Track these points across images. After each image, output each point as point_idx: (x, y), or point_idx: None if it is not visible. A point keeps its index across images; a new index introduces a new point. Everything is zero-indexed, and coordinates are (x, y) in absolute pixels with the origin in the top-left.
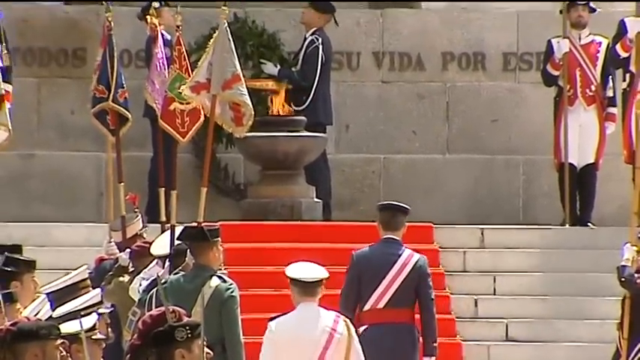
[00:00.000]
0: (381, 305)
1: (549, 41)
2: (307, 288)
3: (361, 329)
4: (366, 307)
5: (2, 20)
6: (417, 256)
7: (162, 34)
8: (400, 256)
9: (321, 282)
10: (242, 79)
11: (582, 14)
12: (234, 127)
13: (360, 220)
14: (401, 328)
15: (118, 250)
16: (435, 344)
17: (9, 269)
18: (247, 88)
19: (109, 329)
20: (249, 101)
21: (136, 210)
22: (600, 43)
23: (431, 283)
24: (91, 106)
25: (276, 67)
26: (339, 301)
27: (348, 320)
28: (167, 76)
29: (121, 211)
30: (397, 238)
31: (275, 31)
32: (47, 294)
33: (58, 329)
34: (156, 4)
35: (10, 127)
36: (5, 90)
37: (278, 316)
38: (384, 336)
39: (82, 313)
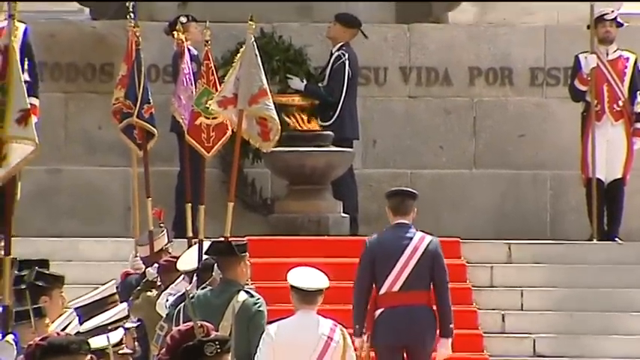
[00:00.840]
0: (396, 288)
1: (577, 57)
2: (307, 296)
3: (378, 312)
4: (382, 291)
5: (28, 36)
6: (428, 237)
7: (189, 49)
8: (412, 239)
9: (321, 291)
10: (269, 93)
11: (610, 30)
12: (261, 141)
13: None
14: (417, 309)
15: (143, 265)
16: (451, 326)
17: (39, 284)
18: (274, 103)
19: (136, 343)
20: (275, 116)
21: (162, 225)
22: (628, 58)
23: (445, 265)
24: (119, 121)
25: (302, 82)
26: (353, 287)
27: (344, 329)
28: (194, 91)
29: (149, 226)
30: (408, 222)
31: (302, 46)
32: (75, 308)
33: (88, 344)
34: (183, 19)
35: (37, 142)
36: (31, 104)
37: (276, 320)
38: (401, 317)
39: (109, 327)
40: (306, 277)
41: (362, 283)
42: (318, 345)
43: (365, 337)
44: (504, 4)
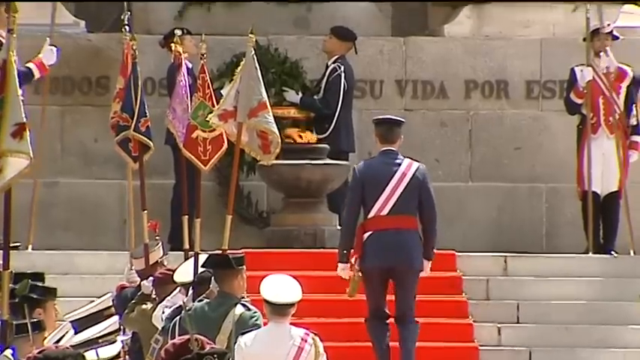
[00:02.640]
0: (384, 212)
1: (572, 69)
2: (279, 309)
3: (366, 235)
4: (371, 215)
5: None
6: (416, 164)
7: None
8: (400, 165)
9: (293, 304)
10: (268, 107)
11: (606, 43)
12: (262, 154)
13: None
14: (405, 232)
15: (138, 278)
16: (433, 249)
17: (33, 297)
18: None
19: (127, 357)
20: (275, 129)
21: (157, 237)
22: (624, 71)
23: (432, 190)
24: (115, 133)
25: (298, 94)
26: (342, 212)
27: (316, 337)
28: (189, 105)
29: (144, 239)
30: (395, 149)
31: (298, 59)
32: (72, 322)
33: (84, 358)
34: (178, 32)
35: (32, 155)
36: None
37: (249, 331)
38: (389, 239)
39: (100, 341)
40: (279, 289)
41: (351, 208)
42: (289, 354)
43: (353, 260)
44: (500, 16)
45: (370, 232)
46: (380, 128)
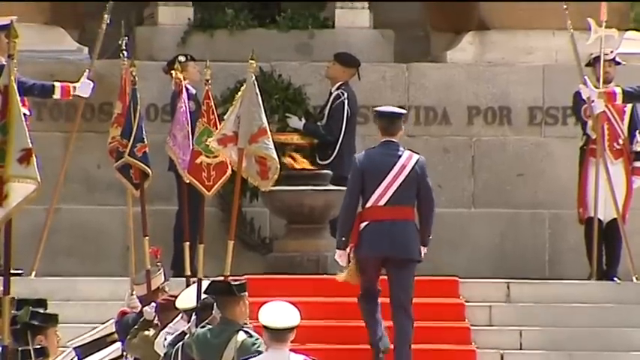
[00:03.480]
0: (382, 203)
1: (577, 91)
2: (278, 335)
3: (362, 225)
4: (368, 205)
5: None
6: (416, 156)
7: (187, 88)
8: (400, 156)
9: (292, 329)
10: (268, 132)
11: (608, 70)
12: (260, 180)
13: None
14: (401, 223)
15: (139, 304)
16: (429, 237)
17: (34, 323)
18: (273, 142)
19: None
20: (275, 155)
21: (158, 263)
22: None
23: (430, 183)
24: (115, 159)
25: (301, 121)
26: (342, 200)
27: None
28: (190, 131)
29: (146, 265)
30: (396, 141)
31: (301, 85)
32: (75, 348)
33: None
34: (181, 59)
35: (39, 180)
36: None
37: (250, 358)
38: (386, 230)
39: None
40: (277, 314)
41: (351, 197)
42: None
43: (348, 250)
44: (502, 43)
45: (367, 222)
46: (382, 121)
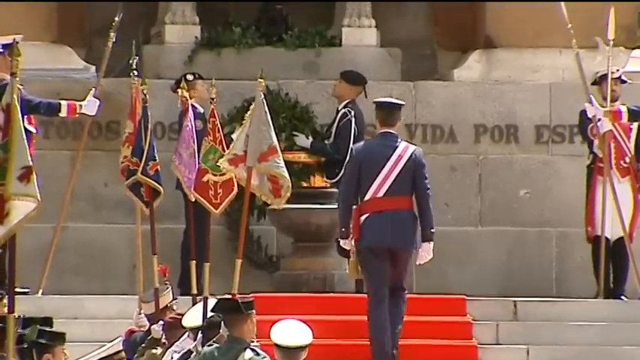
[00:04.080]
0: (380, 194)
1: (582, 110)
2: (290, 353)
3: (363, 217)
4: (367, 197)
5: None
6: (412, 147)
7: (195, 107)
8: (397, 147)
9: (304, 347)
10: (279, 151)
11: (615, 88)
12: (273, 198)
13: None
14: (401, 213)
15: (147, 322)
16: (432, 230)
17: (42, 342)
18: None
19: None
20: (285, 173)
21: (166, 282)
22: None
23: (426, 174)
24: (126, 178)
25: (308, 139)
26: (339, 193)
27: None
28: (196, 149)
29: (154, 283)
30: (394, 132)
31: (308, 104)
32: None
33: None
34: (189, 77)
35: (39, 198)
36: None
37: None
38: (386, 221)
39: None
40: (289, 333)
41: (348, 188)
42: None
43: (350, 240)
44: (509, 61)
45: (367, 214)
46: (380, 112)
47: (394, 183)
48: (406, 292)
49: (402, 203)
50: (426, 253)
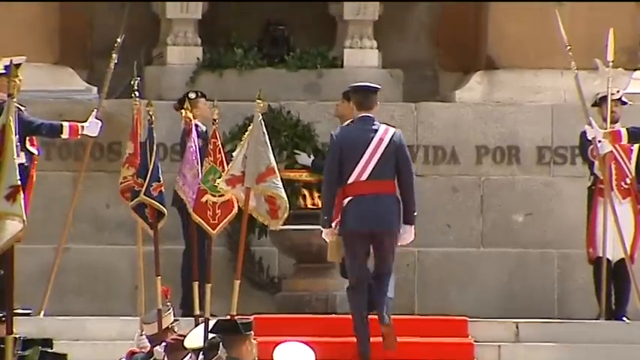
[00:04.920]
0: (363, 178)
1: (582, 132)
2: None
3: (346, 201)
4: (350, 181)
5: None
6: (392, 129)
7: (197, 126)
8: (377, 131)
9: None
10: (276, 172)
11: (615, 109)
12: (270, 219)
13: (394, 314)
14: (384, 197)
15: (149, 343)
16: (414, 213)
17: None
18: (282, 179)
19: None
20: (283, 194)
21: (168, 303)
22: None
23: (408, 155)
24: (129, 199)
25: (309, 157)
26: (323, 179)
27: None
28: (199, 170)
29: (157, 304)
30: (371, 116)
31: (309, 122)
32: None
33: None
34: (192, 95)
35: (25, 219)
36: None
37: None
38: (369, 204)
39: None
40: (292, 355)
41: (331, 175)
42: None
43: (334, 225)
44: (511, 82)
45: (350, 198)
46: (356, 95)
47: (377, 166)
48: (391, 276)
49: (385, 187)
50: (408, 235)
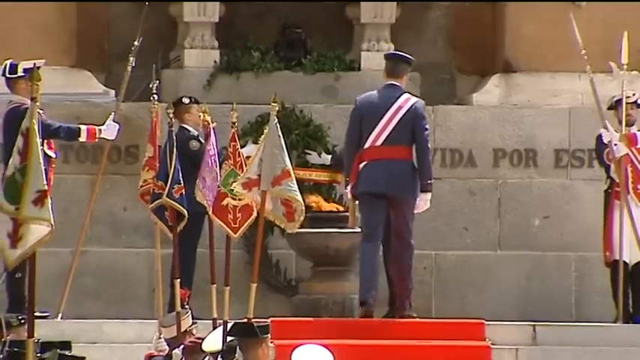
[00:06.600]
0: (379, 142)
1: (598, 135)
2: None
3: (361, 165)
4: (367, 145)
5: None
6: (414, 99)
7: (189, 131)
8: (398, 98)
9: None
10: (292, 175)
11: (630, 112)
12: (286, 222)
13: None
14: (398, 162)
15: (167, 347)
16: (430, 181)
17: None
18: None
19: None
20: (299, 197)
21: (187, 306)
22: None
23: (427, 126)
24: (149, 202)
25: (320, 157)
26: (344, 142)
27: None
28: (219, 173)
29: (176, 307)
30: (398, 84)
31: (321, 123)
32: None
33: None
34: (185, 100)
35: (53, 223)
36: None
37: None
38: (382, 168)
39: None
40: (311, 358)
41: (351, 138)
42: None
43: (349, 187)
44: (528, 85)
45: (365, 162)
46: (388, 63)
47: (393, 132)
48: (412, 247)
49: (399, 152)
50: (423, 202)
